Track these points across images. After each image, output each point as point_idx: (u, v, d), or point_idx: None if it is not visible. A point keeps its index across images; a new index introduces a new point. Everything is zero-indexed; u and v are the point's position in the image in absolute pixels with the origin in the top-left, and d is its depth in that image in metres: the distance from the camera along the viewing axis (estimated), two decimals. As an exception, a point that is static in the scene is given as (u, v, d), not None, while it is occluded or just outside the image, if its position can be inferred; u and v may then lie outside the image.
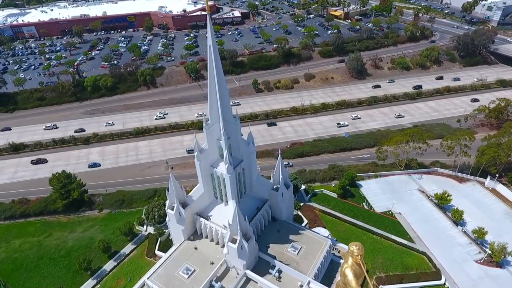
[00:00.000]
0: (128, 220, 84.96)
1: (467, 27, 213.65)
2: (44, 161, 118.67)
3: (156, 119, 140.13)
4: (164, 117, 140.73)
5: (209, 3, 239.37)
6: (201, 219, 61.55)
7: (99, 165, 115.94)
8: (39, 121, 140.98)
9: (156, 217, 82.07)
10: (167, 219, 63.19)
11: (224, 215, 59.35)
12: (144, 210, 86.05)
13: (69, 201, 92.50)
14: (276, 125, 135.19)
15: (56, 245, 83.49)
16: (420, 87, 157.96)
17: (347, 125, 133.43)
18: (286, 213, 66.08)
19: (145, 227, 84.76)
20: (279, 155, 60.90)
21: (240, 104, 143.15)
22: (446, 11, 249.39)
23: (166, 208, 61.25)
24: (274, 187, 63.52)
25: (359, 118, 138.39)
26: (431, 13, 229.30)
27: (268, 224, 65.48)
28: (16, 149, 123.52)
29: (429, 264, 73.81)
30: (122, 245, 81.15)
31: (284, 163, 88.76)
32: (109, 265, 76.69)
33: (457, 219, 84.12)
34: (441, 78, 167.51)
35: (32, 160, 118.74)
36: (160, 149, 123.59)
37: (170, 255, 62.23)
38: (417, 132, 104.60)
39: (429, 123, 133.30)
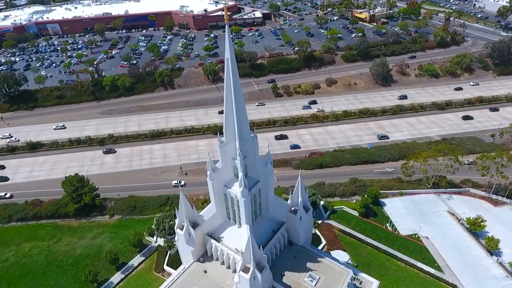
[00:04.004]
0: (138, 230, 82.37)
1: (505, 34, 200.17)
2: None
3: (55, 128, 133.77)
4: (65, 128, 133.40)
5: (231, 3, 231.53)
6: (212, 240, 57.32)
7: (388, 137, 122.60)
8: (57, 119, 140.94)
9: (166, 228, 78.80)
10: (176, 238, 59.35)
11: (236, 238, 54.94)
12: (154, 220, 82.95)
13: (81, 205, 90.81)
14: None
15: (65, 252, 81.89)
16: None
17: None
18: (304, 237, 60.94)
19: (155, 238, 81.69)
20: (299, 175, 55.69)
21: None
22: (479, 16, 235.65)
23: (175, 228, 57.36)
24: (292, 209, 58.50)
25: None
26: (464, 17, 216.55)
27: (284, 249, 60.57)
28: (33, 147, 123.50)
29: (459, 298, 67.29)
30: (130, 256, 78.62)
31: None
32: (116, 277, 74.16)
33: (492, 248, 76.43)
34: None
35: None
36: (174, 153, 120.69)
37: (178, 277, 58.26)
38: (449, 148, 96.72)
39: (459, 137, 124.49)
